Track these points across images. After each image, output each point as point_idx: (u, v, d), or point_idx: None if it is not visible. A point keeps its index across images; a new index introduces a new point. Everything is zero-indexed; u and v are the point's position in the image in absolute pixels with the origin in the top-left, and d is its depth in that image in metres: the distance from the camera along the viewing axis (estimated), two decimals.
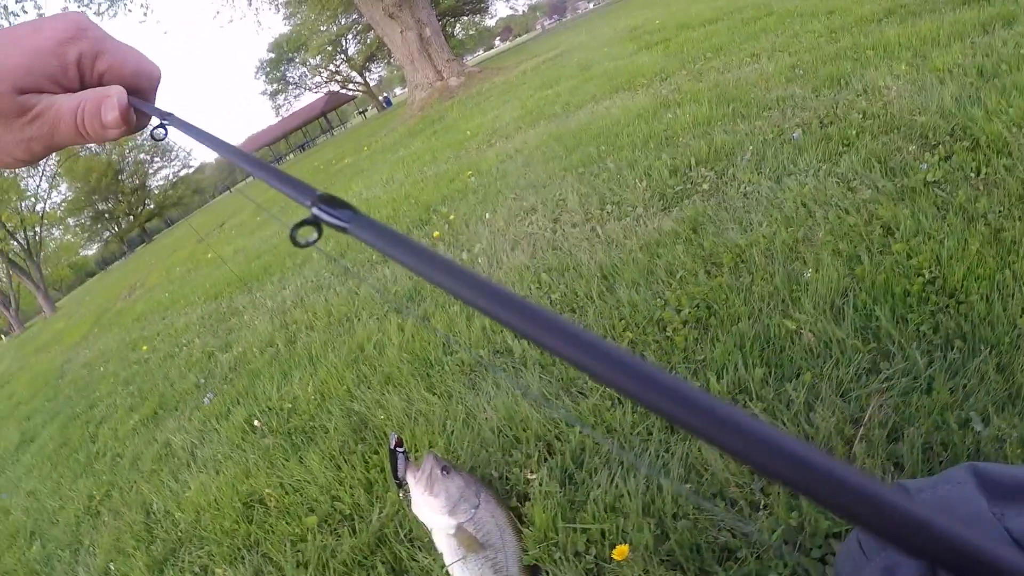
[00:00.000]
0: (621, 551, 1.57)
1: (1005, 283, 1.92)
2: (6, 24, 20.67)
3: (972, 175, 2.52)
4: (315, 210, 0.42)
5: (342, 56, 61.92)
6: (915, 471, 1.50)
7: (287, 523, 2.41)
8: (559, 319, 0.30)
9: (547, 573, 1.69)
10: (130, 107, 0.65)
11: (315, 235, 0.42)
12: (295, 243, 0.42)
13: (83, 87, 0.65)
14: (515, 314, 0.31)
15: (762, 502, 1.60)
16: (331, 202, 0.42)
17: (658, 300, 2.56)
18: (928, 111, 3.17)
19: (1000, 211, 2.23)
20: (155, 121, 0.68)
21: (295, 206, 0.45)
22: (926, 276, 2.06)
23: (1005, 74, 3.26)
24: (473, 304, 0.33)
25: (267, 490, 2.67)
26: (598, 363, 0.28)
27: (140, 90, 0.68)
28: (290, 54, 61.68)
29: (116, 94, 0.63)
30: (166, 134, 0.68)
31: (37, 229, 37.00)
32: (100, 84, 0.65)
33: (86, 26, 0.64)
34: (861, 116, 3.46)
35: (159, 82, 0.71)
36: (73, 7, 21.43)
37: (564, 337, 0.29)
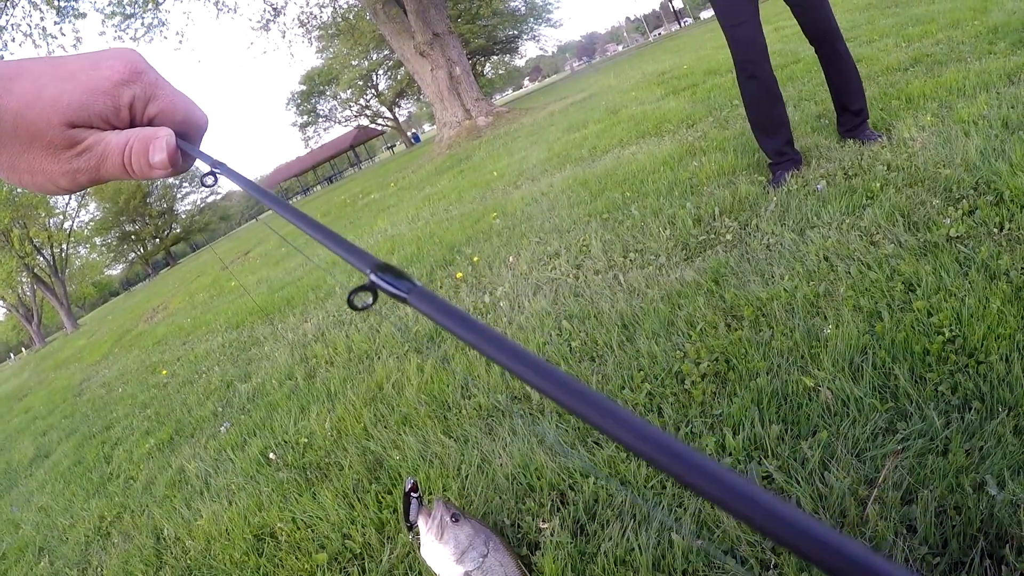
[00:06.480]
0: None
1: None
2: (44, 47, 21.09)
3: (995, 231, 2.51)
4: (373, 277, 0.43)
5: (372, 91, 62.65)
6: (928, 535, 1.48)
7: (297, 559, 2.40)
8: (616, 406, 0.31)
9: None
10: (178, 149, 0.67)
11: (370, 299, 0.43)
12: (352, 306, 0.43)
13: (132, 127, 0.66)
14: (575, 398, 0.32)
15: (772, 561, 1.58)
16: (391, 271, 0.43)
17: (677, 352, 2.56)
18: (953, 164, 3.16)
19: (1022, 268, 2.22)
20: (205, 168, 0.70)
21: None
22: (946, 335, 2.04)
23: None
24: (533, 385, 0.33)
25: (279, 524, 2.67)
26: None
27: (187, 136, 0.70)
28: (321, 87, 62.45)
29: (165, 136, 0.65)
30: (215, 182, 0.70)
31: (64, 246, 37.36)
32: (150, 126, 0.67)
33: (142, 69, 0.66)
34: (886, 168, 3.45)
35: (205, 131, 0.74)
36: (111, 32, 21.79)
37: (605, 411, 0.30)
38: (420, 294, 0.41)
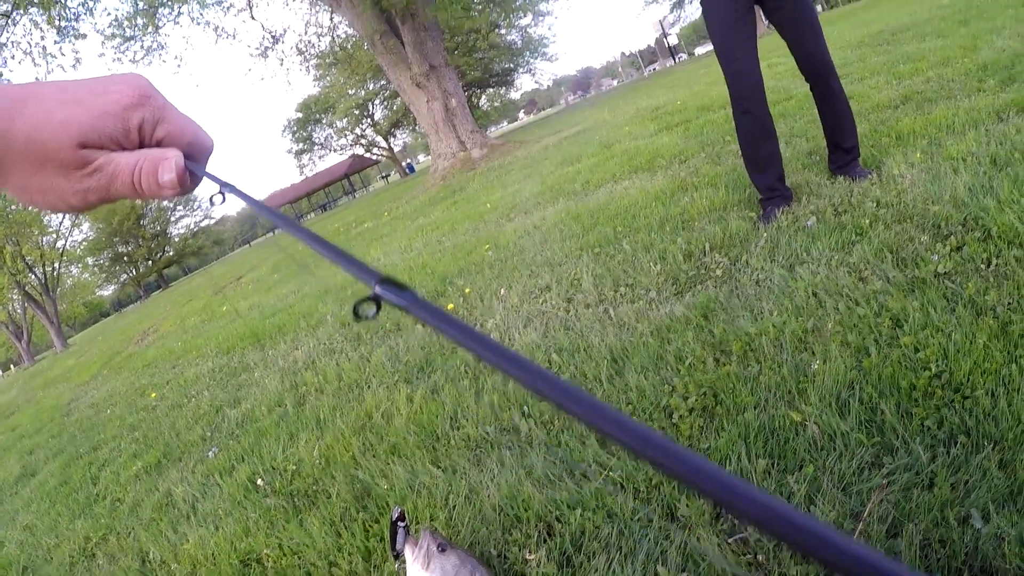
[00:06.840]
0: None
1: (1011, 378, 1.92)
2: (44, 65, 21.20)
3: (983, 266, 2.53)
4: (378, 289, 0.45)
5: (368, 120, 62.94)
6: (913, 568, 1.49)
7: None
8: (595, 399, 0.33)
9: None
10: (186, 170, 0.69)
11: (374, 310, 0.45)
12: (357, 316, 0.45)
13: (141, 149, 0.69)
14: (565, 396, 0.34)
15: None
16: (393, 284, 0.45)
17: (666, 386, 2.56)
18: (941, 200, 3.19)
19: (1009, 303, 2.24)
20: (214, 188, 0.72)
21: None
22: (933, 370, 2.06)
23: (1018, 163, 3.29)
24: (526, 385, 0.36)
25: (265, 550, 2.66)
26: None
27: (193, 158, 0.73)
28: (318, 115, 62.62)
29: (174, 157, 0.68)
30: (224, 200, 0.73)
31: (56, 265, 37.20)
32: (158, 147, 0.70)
33: (151, 93, 0.69)
34: (875, 205, 3.47)
35: (211, 153, 0.76)
36: (110, 54, 21.90)
37: (597, 412, 0.32)
38: (421, 304, 0.43)
